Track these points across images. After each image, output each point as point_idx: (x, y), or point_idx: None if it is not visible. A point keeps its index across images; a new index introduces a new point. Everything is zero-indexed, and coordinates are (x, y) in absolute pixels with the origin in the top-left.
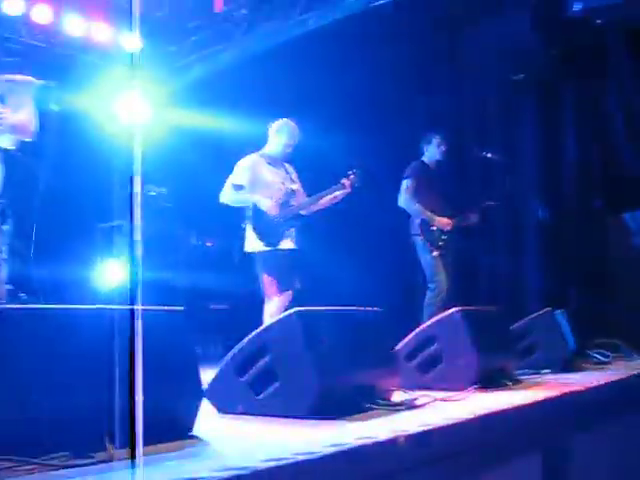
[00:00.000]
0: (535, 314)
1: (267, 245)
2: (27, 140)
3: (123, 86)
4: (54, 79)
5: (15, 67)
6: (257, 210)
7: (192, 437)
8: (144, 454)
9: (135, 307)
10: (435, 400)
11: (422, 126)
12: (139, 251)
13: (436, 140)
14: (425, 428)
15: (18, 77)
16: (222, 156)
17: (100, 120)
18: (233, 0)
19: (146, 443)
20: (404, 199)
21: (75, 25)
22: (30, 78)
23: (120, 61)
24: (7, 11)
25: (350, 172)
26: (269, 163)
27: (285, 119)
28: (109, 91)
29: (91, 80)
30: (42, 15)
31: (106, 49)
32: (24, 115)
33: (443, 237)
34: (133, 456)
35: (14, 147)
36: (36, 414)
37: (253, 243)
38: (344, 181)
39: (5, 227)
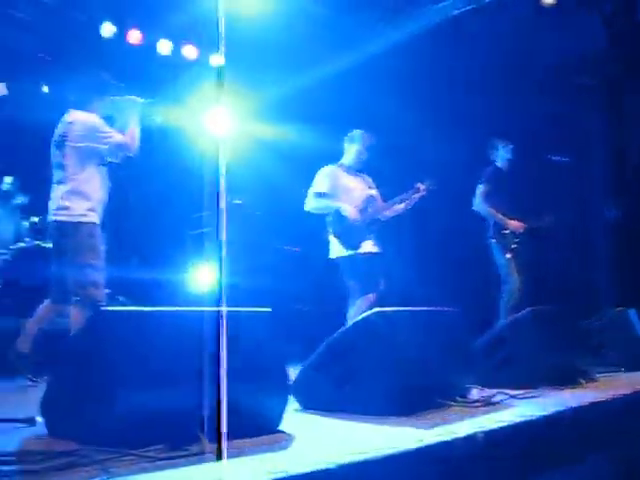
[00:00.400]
0: (607, 313)
1: (349, 249)
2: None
3: (211, 101)
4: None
5: (118, 88)
6: (338, 216)
7: (280, 432)
8: (234, 448)
9: (224, 308)
10: (510, 397)
11: (494, 131)
12: (226, 256)
13: (501, 145)
14: (501, 425)
15: (124, 97)
16: (304, 167)
17: (190, 134)
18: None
19: (236, 437)
20: (478, 203)
21: (165, 45)
22: (135, 97)
23: (208, 77)
24: (104, 35)
25: (423, 181)
26: (347, 172)
27: (358, 130)
28: (198, 106)
29: (181, 96)
30: (135, 37)
31: (193, 65)
32: (130, 133)
33: (515, 239)
34: (223, 450)
35: (118, 162)
36: (135, 408)
37: (336, 249)
38: (419, 185)
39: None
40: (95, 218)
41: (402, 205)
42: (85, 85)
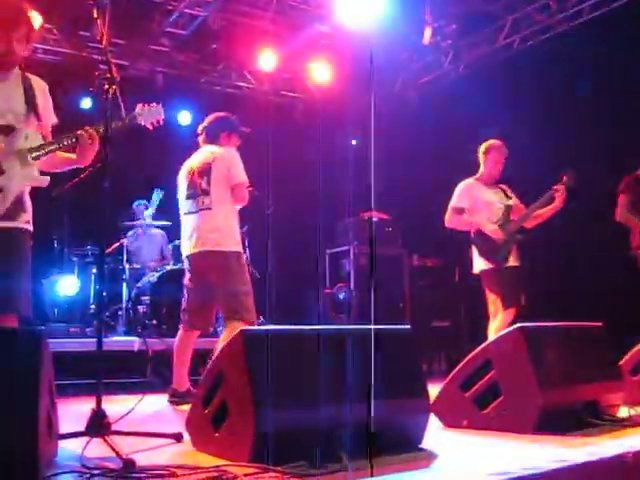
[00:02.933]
0: None
1: (491, 263)
2: None
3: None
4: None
5: None
6: (477, 232)
7: (421, 450)
8: (376, 465)
9: (367, 326)
10: None
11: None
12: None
13: None
14: None
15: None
16: (440, 180)
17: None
18: (439, 32)
19: (378, 454)
20: (621, 213)
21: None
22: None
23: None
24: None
25: (563, 175)
26: (484, 184)
27: (491, 140)
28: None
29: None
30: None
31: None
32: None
33: None
34: (368, 467)
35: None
36: (280, 426)
37: (478, 263)
38: (556, 186)
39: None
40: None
41: (545, 210)
42: None
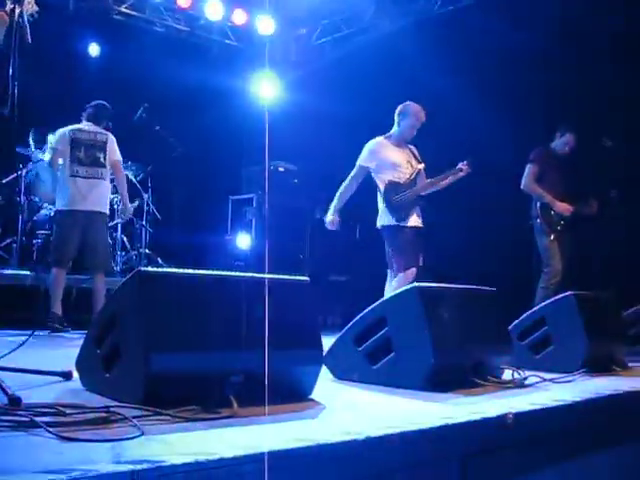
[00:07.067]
0: None
1: (397, 220)
2: None
3: (257, 67)
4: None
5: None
6: (388, 187)
7: (311, 400)
8: (266, 413)
9: (264, 275)
10: (544, 381)
11: (543, 110)
12: (267, 223)
13: (568, 137)
14: (533, 407)
15: None
16: (351, 136)
17: (235, 99)
18: None
19: (269, 403)
20: (527, 182)
21: (215, 10)
22: None
23: (255, 43)
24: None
25: (466, 159)
26: (394, 144)
27: (410, 102)
28: (244, 72)
29: (227, 62)
30: (186, 1)
31: (242, 32)
32: None
33: (562, 222)
34: (258, 413)
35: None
36: (171, 369)
37: (384, 218)
38: (461, 166)
39: (145, 196)
40: None
41: (445, 182)
42: None
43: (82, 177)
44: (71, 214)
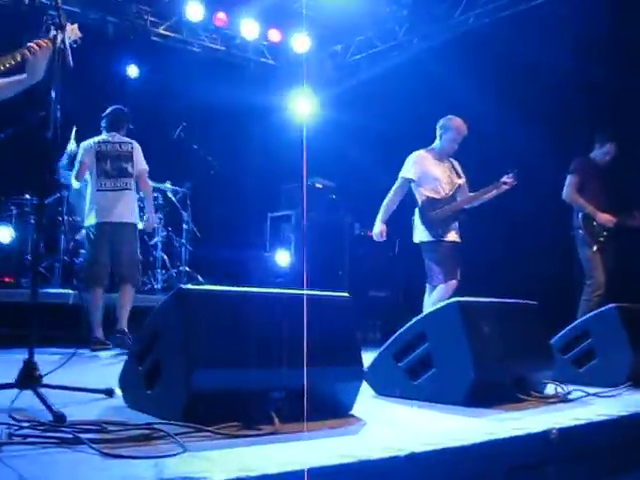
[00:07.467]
0: None
1: (435, 236)
2: None
3: (294, 85)
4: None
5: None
6: (425, 203)
7: (351, 416)
8: (308, 430)
9: (304, 292)
10: (588, 395)
11: (583, 120)
12: (305, 239)
13: (609, 147)
14: (577, 422)
15: None
16: (388, 152)
17: (272, 117)
18: (396, 1)
19: (310, 419)
20: (568, 193)
21: (251, 29)
22: None
23: (291, 61)
24: (190, 17)
25: (510, 171)
26: (435, 158)
27: (451, 116)
28: (281, 90)
29: (264, 80)
30: (221, 20)
31: (278, 50)
32: None
33: (604, 233)
34: (299, 430)
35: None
36: (212, 387)
37: (421, 234)
38: (505, 179)
39: (185, 214)
40: None
41: (488, 195)
42: None
43: (109, 190)
44: (99, 228)
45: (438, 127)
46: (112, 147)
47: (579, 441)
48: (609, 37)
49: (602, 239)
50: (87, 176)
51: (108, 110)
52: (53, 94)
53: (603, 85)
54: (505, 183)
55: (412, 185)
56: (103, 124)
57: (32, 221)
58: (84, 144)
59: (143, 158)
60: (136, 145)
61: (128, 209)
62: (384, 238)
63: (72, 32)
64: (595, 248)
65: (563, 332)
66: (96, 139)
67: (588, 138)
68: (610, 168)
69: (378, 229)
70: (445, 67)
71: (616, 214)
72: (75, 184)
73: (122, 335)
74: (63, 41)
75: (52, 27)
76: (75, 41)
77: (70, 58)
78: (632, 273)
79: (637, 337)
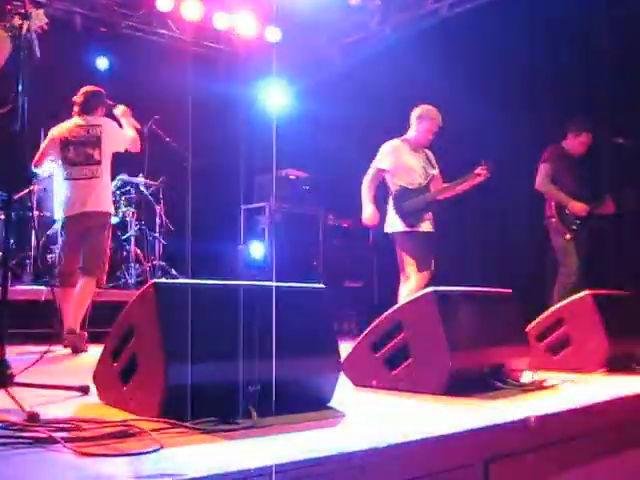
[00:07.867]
0: None
1: (408, 226)
2: None
3: (266, 76)
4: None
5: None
6: (399, 193)
7: (330, 408)
8: (285, 422)
9: (279, 284)
10: (563, 382)
11: (556, 111)
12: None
13: (585, 136)
14: (555, 409)
15: None
16: (362, 142)
17: (245, 108)
18: None
19: (288, 412)
20: (541, 182)
21: (221, 20)
22: None
23: (263, 52)
24: (159, 7)
25: (483, 163)
26: (411, 148)
27: (428, 106)
28: (253, 81)
29: (236, 71)
30: (191, 11)
31: (250, 41)
32: None
33: (577, 221)
34: (272, 424)
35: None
36: (187, 381)
37: (394, 224)
38: (478, 171)
39: (157, 208)
40: None
41: (462, 187)
42: None
43: (74, 179)
44: (66, 221)
45: (413, 117)
46: (77, 132)
47: (557, 428)
48: (582, 25)
49: (575, 227)
50: (46, 162)
51: (80, 91)
52: (20, 86)
53: (575, 73)
54: (479, 175)
55: (386, 175)
56: (75, 109)
57: (1, 217)
58: (51, 130)
59: (121, 133)
60: (108, 125)
61: (96, 198)
62: (376, 221)
63: (37, 17)
64: (568, 236)
65: (538, 320)
66: (64, 125)
67: (561, 126)
68: (582, 157)
69: (369, 212)
70: (419, 57)
71: (588, 202)
72: (38, 171)
73: (71, 335)
74: (29, 29)
75: (17, 16)
76: (42, 27)
77: (37, 49)
78: (605, 260)
79: (611, 323)
